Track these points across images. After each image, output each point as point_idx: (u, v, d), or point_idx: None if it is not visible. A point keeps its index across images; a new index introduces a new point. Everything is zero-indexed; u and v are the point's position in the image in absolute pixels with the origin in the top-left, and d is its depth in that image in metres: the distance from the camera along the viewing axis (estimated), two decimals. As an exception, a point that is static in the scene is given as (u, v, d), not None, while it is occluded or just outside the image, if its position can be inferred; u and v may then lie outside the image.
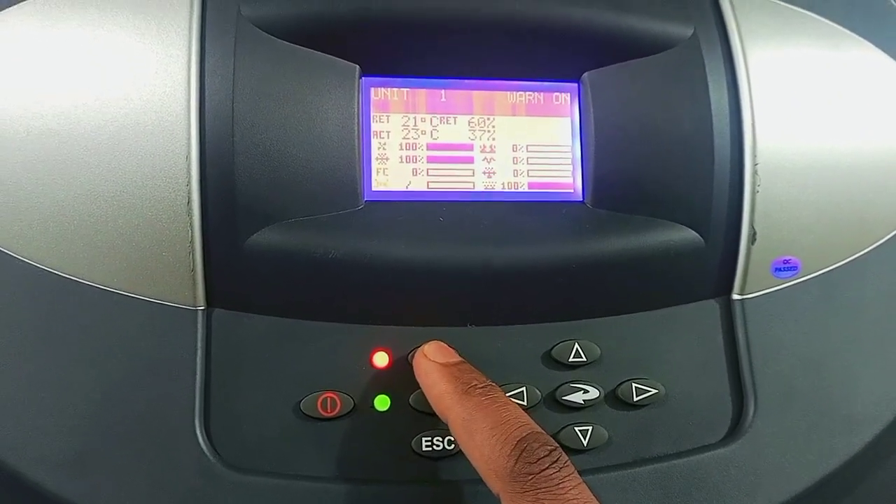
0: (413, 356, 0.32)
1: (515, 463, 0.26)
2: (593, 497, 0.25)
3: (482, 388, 0.29)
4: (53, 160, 0.30)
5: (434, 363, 0.30)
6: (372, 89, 0.34)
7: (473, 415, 0.28)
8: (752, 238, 0.35)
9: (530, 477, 0.25)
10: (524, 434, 0.26)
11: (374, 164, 0.34)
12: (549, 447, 0.26)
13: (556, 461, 0.26)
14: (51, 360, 0.30)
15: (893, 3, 0.40)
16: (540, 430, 0.27)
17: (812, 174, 0.36)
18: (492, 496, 0.27)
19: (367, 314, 0.33)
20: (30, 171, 0.30)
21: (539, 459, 0.26)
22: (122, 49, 0.31)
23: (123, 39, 0.31)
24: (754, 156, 0.35)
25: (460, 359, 0.31)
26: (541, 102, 0.36)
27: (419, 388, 0.31)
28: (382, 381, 0.32)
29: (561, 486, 0.25)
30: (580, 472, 0.26)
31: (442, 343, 0.32)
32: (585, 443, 0.33)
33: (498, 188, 0.35)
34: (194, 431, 0.30)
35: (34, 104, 0.30)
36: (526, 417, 0.28)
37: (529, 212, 0.35)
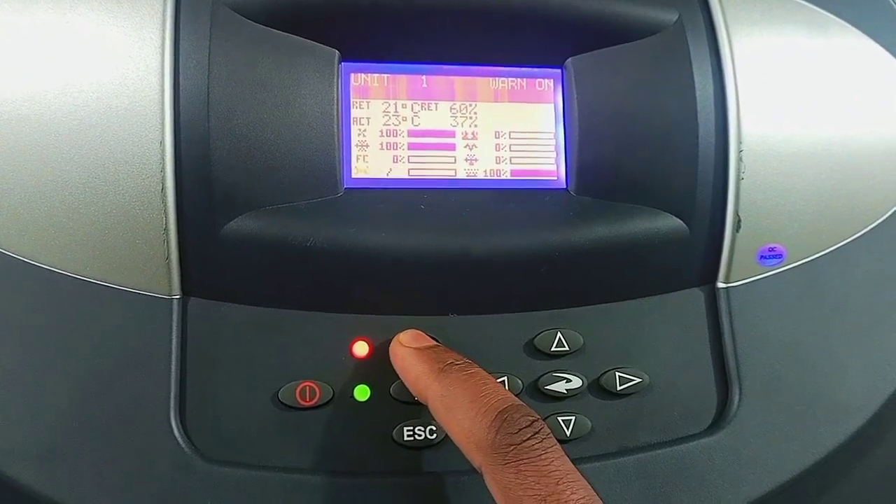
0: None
1: (496, 435, 0.25)
2: (576, 469, 0.25)
3: (460, 364, 0.28)
4: (24, 146, 0.29)
5: (409, 349, 0.30)
6: (352, 75, 0.34)
7: (451, 390, 0.27)
8: (737, 225, 0.35)
9: (512, 448, 0.25)
10: (505, 406, 0.26)
11: (354, 151, 0.34)
12: (530, 418, 0.26)
13: (538, 432, 0.25)
14: (23, 351, 0.29)
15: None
16: (521, 402, 0.26)
17: (798, 161, 0.35)
18: (472, 486, 0.27)
19: (347, 303, 0.32)
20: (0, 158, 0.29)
21: (521, 430, 0.25)
22: (94, 32, 0.30)
23: (95, 22, 0.30)
24: (739, 142, 0.34)
25: (435, 342, 0.31)
26: (524, 88, 0.35)
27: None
28: (362, 370, 0.32)
29: (543, 457, 0.24)
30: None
31: (417, 330, 0.31)
32: (568, 433, 0.33)
33: (480, 175, 0.34)
34: (170, 423, 0.30)
35: (3, 89, 0.30)
36: (506, 391, 0.27)
37: (512, 199, 0.34)
